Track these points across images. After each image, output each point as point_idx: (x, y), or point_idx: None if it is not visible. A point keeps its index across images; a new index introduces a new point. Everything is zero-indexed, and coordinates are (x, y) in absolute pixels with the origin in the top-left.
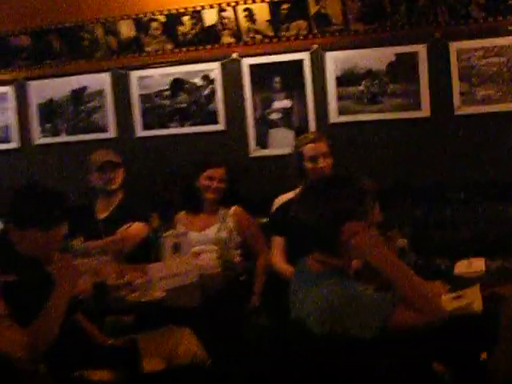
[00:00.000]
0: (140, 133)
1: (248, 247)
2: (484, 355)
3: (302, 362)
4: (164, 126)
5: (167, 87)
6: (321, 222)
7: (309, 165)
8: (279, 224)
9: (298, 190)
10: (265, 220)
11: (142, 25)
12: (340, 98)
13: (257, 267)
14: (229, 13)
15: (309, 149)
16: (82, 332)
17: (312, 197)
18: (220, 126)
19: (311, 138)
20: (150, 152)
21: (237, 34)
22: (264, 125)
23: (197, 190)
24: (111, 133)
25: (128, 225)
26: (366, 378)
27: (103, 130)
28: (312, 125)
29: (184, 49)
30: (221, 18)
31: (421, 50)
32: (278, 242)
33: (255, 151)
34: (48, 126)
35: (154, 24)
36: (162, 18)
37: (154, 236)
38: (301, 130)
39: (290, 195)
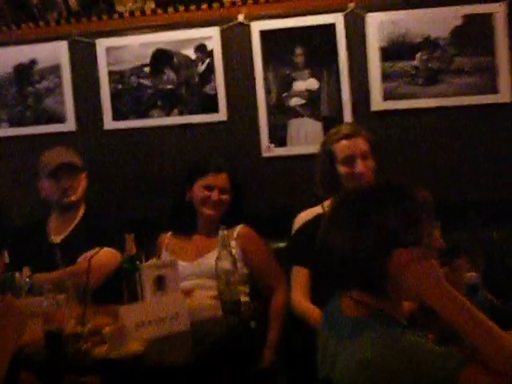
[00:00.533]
0: (109, 124)
1: (259, 282)
2: None
3: None
4: (143, 114)
5: (147, 62)
6: (360, 249)
7: (342, 169)
8: (302, 250)
9: (327, 204)
10: (282, 245)
11: None
12: (386, 76)
13: (271, 310)
14: None
15: (342, 147)
16: None
17: (347, 214)
18: (220, 116)
19: (346, 132)
20: (123, 151)
21: None
22: (281, 114)
23: (189, 204)
24: (70, 124)
25: (93, 251)
26: None
27: (59, 120)
28: (347, 114)
29: (170, 9)
30: None
31: (498, 10)
32: (300, 274)
33: (269, 150)
34: None
35: None
36: None
37: (130, 266)
38: (332, 121)
39: (316, 211)
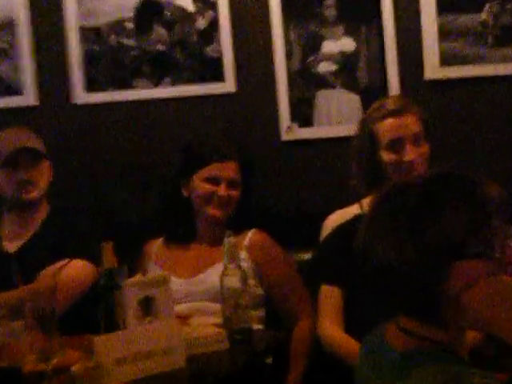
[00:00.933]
0: (81, 97)
1: (278, 306)
2: None
3: None
4: (125, 84)
5: (131, 15)
6: (409, 262)
7: (387, 156)
8: (333, 264)
9: (366, 203)
10: (308, 256)
11: None
12: (444, 34)
13: (293, 342)
14: None
15: (387, 127)
16: None
17: (393, 216)
18: (227, 86)
19: (392, 107)
20: (97, 132)
21: None
22: (307, 84)
23: (185, 202)
24: (29, 97)
25: (60, 264)
26: None
27: (14, 91)
28: (393, 83)
29: None
30: None
31: None
32: (331, 295)
33: (291, 131)
34: None
35: None
36: None
37: (108, 284)
38: (372, 92)
39: (352, 211)
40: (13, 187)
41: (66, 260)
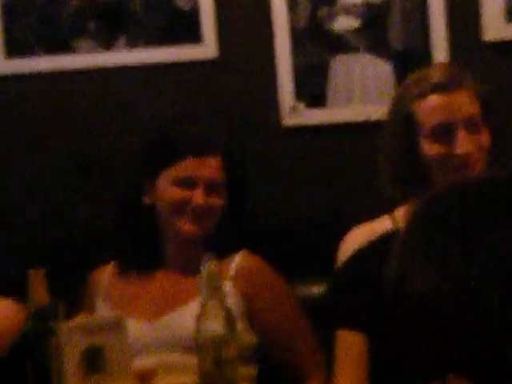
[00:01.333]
0: (4, 65)
1: (277, 359)
2: None
3: None
4: (62, 46)
5: None
6: (463, 296)
7: (432, 147)
8: (355, 300)
9: (401, 214)
10: (317, 290)
11: None
12: None
13: None
14: None
15: (432, 108)
16: None
17: (441, 233)
18: (205, 50)
19: (438, 80)
20: (24, 111)
21: None
22: (317, 47)
23: (148, 213)
24: None
25: None
26: None
27: None
28: (439, 46)
29: None
30: None
31: None
32: (350, 345)
33: (295, 113)
34: None
35: None
36: None
37: (38, 329)
38: (410, 58)
39: (382, 226)
40: None
41: None
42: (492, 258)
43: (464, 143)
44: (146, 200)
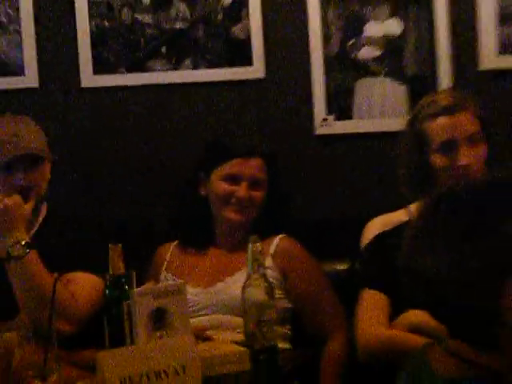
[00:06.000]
0: (89, 80)
1: (307, 322)
2: None
3: None
4: (139, 66)
5: None
6: (461, 277)
7: (439, 159)
8: (378, 271)
9: (415, 208)
10: (342, 267)
11: None
12: (504, 17)
13: (323, 361)
14: None
15: (440, 128)
16: None
17: (445, 224)
18: (254, 71)
19: (445, 103)
20: (108, 120)
21: None
22: (346, 71)
23: (203, 203)
24: (30, 78)
25: (64, 278)
26: None
27: (14, 71)
28: (445, 73)
29: None
30: None
31: None
32: (375, 299)
33: (326, 125)
34: None
35: None
36: None
37: (115, 294)
38: (421, 82)
39: (398, 217)
40: (8, 192)
41: (71, 273)
42: (485, 247)
43: (465, 156)
44: (202, 192)
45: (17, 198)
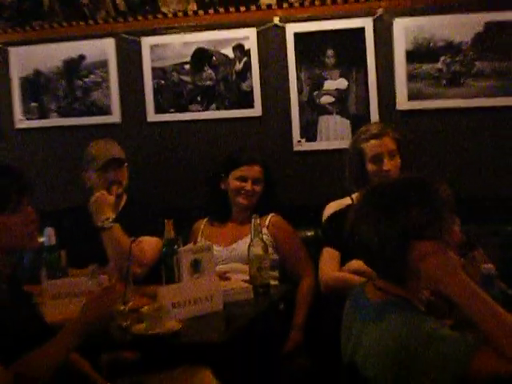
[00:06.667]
0: (152, 117)
1: (288, 267)
2: None
3: None
4: (183, 108)
5: (188, 59)
6: (383, 241)
7: (370, 166)
8: (333, 235)
9: (355, 197)
10: (310, 233)
11: None
12: (411, 77)
13: (299, 293)
14: None
15: (371, 146)
16: (74, 371)
17: (373, 207)
18: (255, 111)
19: (374, 131)
20: (163, 142)
21: None
22: (312, 111)
23: (223, 194)
24: (115, 116)
25: (138, 240)
26: None
27: (105, 112)
28: (374, 113)
29: (211, 10)
30: None
31: None
32: (332, 255)
33: (300, 144)
34: (33, 105)
35: None
36: None
37: (168, 250)
38: (360, 118)
39: (345, 202)
40: (103, 186)
41: (141, 238)
42: (395, 220)
43: (387, 165)
44: (222, 187)
45: (103, 191)
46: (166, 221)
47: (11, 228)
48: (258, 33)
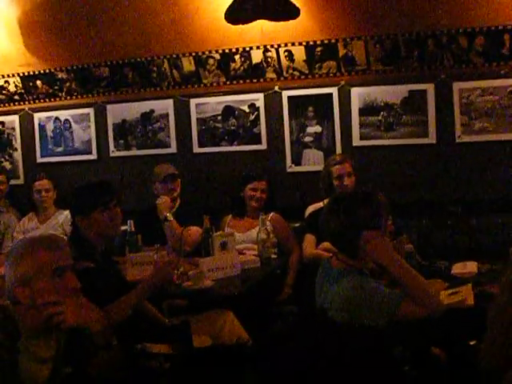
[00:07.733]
0: (196, 149)
1: (283, 246)
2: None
3: (325, 345)
4: (216, 144)
5: (220, 113)
6: (343, 229)
7: (336, 182)
8: (312, 226)
9: (326, 201)
10: (297, 224)
11: (200, 61)
12: (362, 125)
13: (289, 263)
14: (272, 53)
15: (336, 169)
16: (146, 312)
17: (337, 208)
18: (262, 146)
19: (338, 159)
20: (204, 166)
21: (278, 70)
22: (299, 146)
23: (242, 199)
24: (173, 149)
25: (187, 228)
26: (379, 358)
27: (166, 146)
28: (338, 147)
29: (234, 81)
30: (266, 57)
31: (429, 87)
32: (311, 238)
33: (291, 168)
34: (121, 141)
35: (211, 60)
36: (218, 56)
37: (206, 235)
38: (329, 151)
39: (320, 204)
40: (166, 193)
41: (189, 226)
42: (350, 216)
43: (346, 181)
44: (241, 194)
45: (165, 198)
46: (204, 216)
47: (100, 222)
48: (264, 96)
